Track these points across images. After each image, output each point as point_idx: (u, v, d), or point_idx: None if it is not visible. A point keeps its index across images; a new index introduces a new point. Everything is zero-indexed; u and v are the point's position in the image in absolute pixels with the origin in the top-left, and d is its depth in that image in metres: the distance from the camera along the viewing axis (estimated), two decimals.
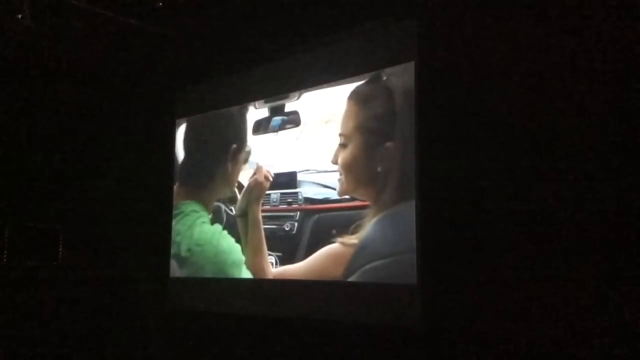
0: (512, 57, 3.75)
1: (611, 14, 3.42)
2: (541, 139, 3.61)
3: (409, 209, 4.07)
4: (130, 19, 5.22)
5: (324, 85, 4.77)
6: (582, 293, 3.36)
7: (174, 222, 5.86)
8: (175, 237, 5.82)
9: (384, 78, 4.40)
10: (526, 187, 3.64)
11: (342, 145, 4.50)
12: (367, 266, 4.24)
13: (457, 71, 3.98)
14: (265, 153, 5.16)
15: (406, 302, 4.02)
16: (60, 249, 5.87)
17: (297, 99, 4.95)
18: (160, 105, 6.22)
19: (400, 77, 4.30)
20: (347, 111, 4.55)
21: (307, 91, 4.90)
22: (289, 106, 5.01)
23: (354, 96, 4.55)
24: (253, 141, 5.30)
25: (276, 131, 5.07)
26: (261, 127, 5.19)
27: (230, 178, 5.39)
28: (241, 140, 5.39)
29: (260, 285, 5.03)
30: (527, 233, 3.60)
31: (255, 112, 5.29)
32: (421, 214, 4.01)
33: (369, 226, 4.27)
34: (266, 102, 5.20)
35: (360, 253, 4.30)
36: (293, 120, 4.93)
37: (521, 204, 3.64)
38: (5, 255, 5.61)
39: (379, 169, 4.27)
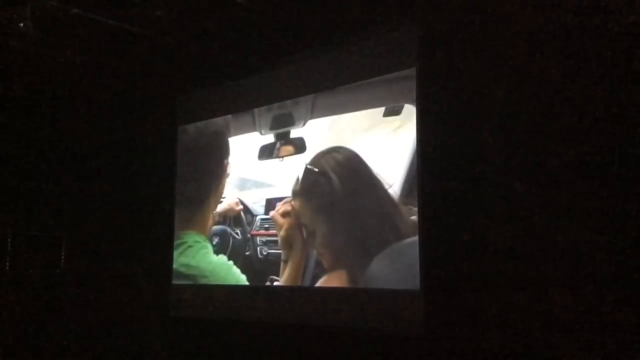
0: (514, 62, 3.72)
1: (612, 16, 3.38)
2: (546, 147, 3.58)
3: (409, 246, 4.10)
4: (131, 26, 5.16)
5: (325, 91, 4.78)
6: (584, 297, 3.34)
7: (176, 253, 5.81)
8: (179, 268, 5.79)
9: (316, 167, 4.69)
10: (527, 194, 3.61)
11: (310, 234, 4.69)
12: None
13: (458, 77, 3.96)
14: (271, 179, 5.14)
15: (409, 308, 4.04)
16: (63, 257, 5.89)
17: (303, 125, 4.92)
18: (162, 111, 6.18)
19: (329, 156, 4.64)
20: (299, 207, 4.80)
21: (312, 118, 4.88)
22: (295, 133, 4.97)
23: (297, 194, 4.82)
24: (259, 166, 5.27)
25: (281, 157, 5.04)
26: (266, 152, 5.15)
27: (222, 191, 5.52)
28: (229, 154, 5.55)
29: (263, 292, 5.03)
30: (527, 240, 3.57)
31: (261, 138, 5.25)
32: (423, 221, 4.03)
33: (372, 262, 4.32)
34: (272, 128, 5.16)
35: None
36: (298, 146, 4.91)
37: (521, 210, 3.62)
38: (7, 263, 5.64)
39: (344, 237, 4.48)
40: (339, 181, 4.55)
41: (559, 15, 3.56)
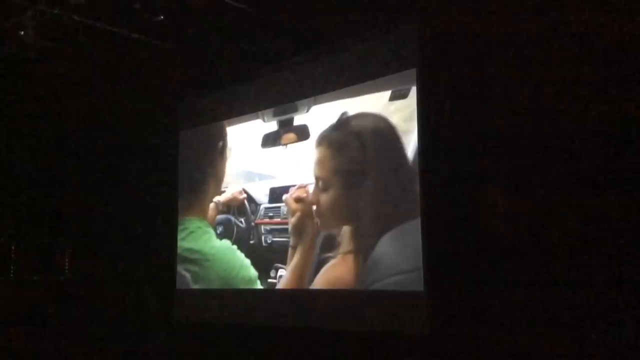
0: (515, 62, 3.79)
1: (612, 18, 3.45)
2: (546, 147, 3.64)
3: (414, 227, 4.13)
4: (132, 33, 5.23)
5: (326, 93, 4.81)
6: (585, 296, 3.39)
7: (178, 239, 5.87)
8: (182, 253, 5.83)
9: (352, 124, 4.60)
10: (529, 195, 3.67)
11: (323, 189, 4.67)
12: (379, 283, 4.28)
13: (458, 77, 4.01)
14: (274, 166, 5.17)
15: (413, 309, 4.06)
16: (67, 263, 5.88)
17: (307, 112, 4.93)
18: (163, 117, 6.24)
19: (367, 119, 4.53)
20: (321, 157, 4.76)
21: (316, 104, 4.89)
22: (298, 119, 5.00)
23: (326, 142, 4.75)
24: (262, 156, 5.30)
25: (285, 145, 5.06)
26: (270, 140, 5.17)
27: (220, 175, 5.55)
28: (224, 136, 5.59)
29: (269, 295, 5.04)
30: (528, 240, 3.63)
31: (265, 126, 5.27)
32: (426, 224, 4.07)
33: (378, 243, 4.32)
34: (275, 115, 5.18)
35: (372, 270, 4.33)
36: (302, 133, 4.92)
37: (523, 212, 3.68)
38: (12, 270, 5.62)
39: (361, 204, 4.44)
40: (372, 146, 4.48)
41: (559, 14, 3.64)
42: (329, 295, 4.59)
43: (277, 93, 5.20)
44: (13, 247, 5.67)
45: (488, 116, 3.89)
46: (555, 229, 3.54)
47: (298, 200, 4.85)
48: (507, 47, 3.83)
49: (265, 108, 5.28)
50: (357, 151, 4.52)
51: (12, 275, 5.62)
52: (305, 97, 4.95)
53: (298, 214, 4.83)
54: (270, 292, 5.02)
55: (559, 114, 3.59)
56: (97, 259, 6.04)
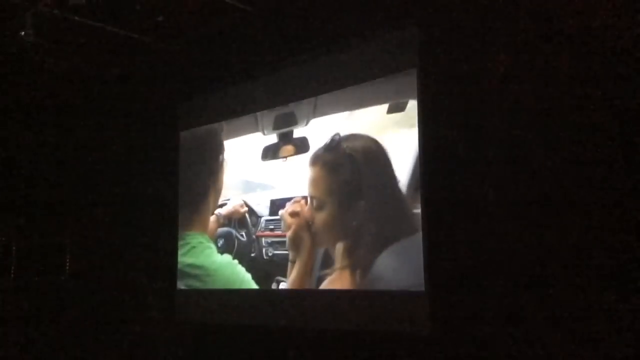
0: (515, 63, 3.74)
1: (611, 20, 3.40)
2: (547, 149, 3.58)
3: (414, 243, 4.08)
4: (132, 33, 5.20)
5: (326, 93, 4.78)
6: (586, 296, 3.35)
7: (180, 254, 5.82)
8: (183, 269, 5.79)
9: (344, 146, 4.59)
10: (529, 196, 3.62)
11: (317, 208, 4.67)
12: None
13: (458, 78, 3.96)
14: (274, 178, 5.14)
15: (413, 309, 4.05)
16: (67, 264, 5.91)
17: (306, 124, 4.90)
18: (163, 117, 6.20)
19: (357, 140, 4.54)
20: (315, 177, 4.76)
21: (315, 117, 4.86)
22: (298, 132, 4.96)
23: (320, 163, 4.74)
24: (262, 168, 5.25)
25: (285, 157, 5.02)
26: (270, 153, 5.13)
27: (219, 188, 5.54)
28: (223, 150, 5.57)
29: (269, 295, 5.03)
30: (528, 241, 3.59)
31: (264, 139, 5.23)
32: (426, 221, 4.04)
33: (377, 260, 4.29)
34: (274, 128, 5.15)
35: (373, 286, 4.31)
36: (302, 146, 4.87)
37: (523, 213, 3.64)
38: (12, 271, 5.66)
39: (354, 223, 4.44)
40: (364, 168, 4.50)
41: (558, 14, 3.58)
42: (330, 295, 4.57)
43: (278, 93, 5.14)
44: (13, 248, 5.70)
45: (491, 116, 3.84)
46: (555, 230, 3.49)
47: (293, 214, 4.82)
48: (508, 46, 3.77)
49: (265, 108, 5.22)
50: (350, 172, 4.53)
51: (12, 275, 5.65)
52: (306, 97, 4.90)
53: (293, 227, 4.80)
54: (271, 292, 5.00)
55: (563, 114, 3.53)
56: (98, 259, 6.05)
